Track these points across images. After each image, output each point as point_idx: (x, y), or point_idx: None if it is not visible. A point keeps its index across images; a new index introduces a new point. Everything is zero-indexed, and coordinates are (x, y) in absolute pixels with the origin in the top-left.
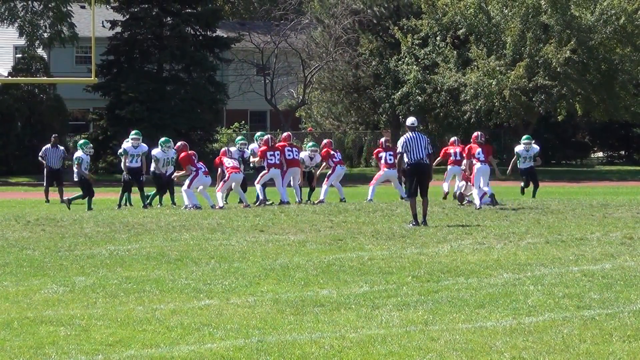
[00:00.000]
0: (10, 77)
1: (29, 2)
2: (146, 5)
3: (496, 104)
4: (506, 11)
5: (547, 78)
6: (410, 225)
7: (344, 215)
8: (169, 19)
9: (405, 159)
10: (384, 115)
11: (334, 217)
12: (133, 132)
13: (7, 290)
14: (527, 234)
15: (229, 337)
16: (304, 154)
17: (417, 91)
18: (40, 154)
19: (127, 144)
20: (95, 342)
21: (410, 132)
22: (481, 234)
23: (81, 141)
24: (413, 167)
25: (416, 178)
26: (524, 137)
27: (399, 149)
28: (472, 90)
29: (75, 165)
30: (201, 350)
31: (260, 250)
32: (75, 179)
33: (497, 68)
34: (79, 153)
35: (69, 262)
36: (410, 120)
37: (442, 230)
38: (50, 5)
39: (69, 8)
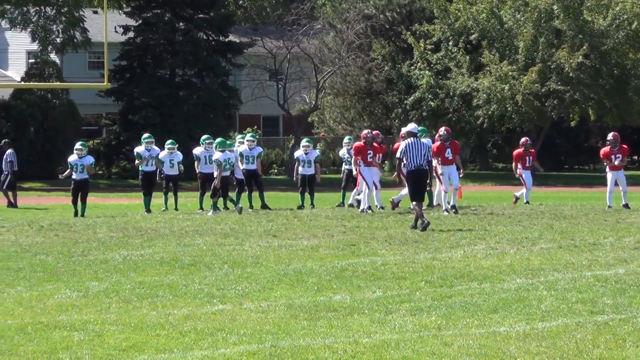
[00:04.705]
0: (23, 83)
1: (42, 7)
2: (159, 11)
3: (509, 109)
4: (518, 16)
5: (559, 83)
6: (424, 223)
7: (357, 221)
8: (181, 24)
9: (405, 162)
10: (396, 121)
11: (347, 222)
12: (146, 134)
13: (21, 295)
14: (540, 239)
15: (242, 342)
16: (342, 152)
17: (429, 96)
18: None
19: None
20: (109, 347)
21: (410, 139)
22: (494, 239)
23: (204, 136)
24: (412, 174)
25: (417, 183)
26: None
27: (399, 155)
28: (484, 95)
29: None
30: (214, 356)
31: (274, 255)
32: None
33: (510, 73)
34: (199, 150)
35: (82, 267)
36: (411, 126)
37: (455, 235)
38: (62, 11)
39: (81, 13)
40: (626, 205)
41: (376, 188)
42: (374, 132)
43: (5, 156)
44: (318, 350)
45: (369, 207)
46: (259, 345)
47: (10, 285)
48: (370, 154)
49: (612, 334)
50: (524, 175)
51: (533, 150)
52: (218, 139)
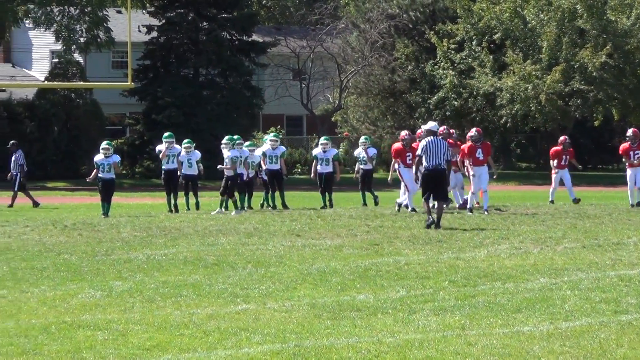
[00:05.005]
0: (47, 82)
1: (66, 7)
2: (182, 10)
3: (532, 108)
4: (542, 16)
5: (583, 83)
6: (429, 220)
7: (381, 220)
8: (204, 23)
9: (424, 163)
10: (420, 120)
11: (371, 221)
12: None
13: (45, 295)
14: (564, 238)
15: (266, 341)
16: (357, 151)
17: (453, 96)
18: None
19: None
20: (133, 346)
21: (430, 137)
22: (518, 239)
23: (224, 140)
24: (430, 172)
25: (433, 183)
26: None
27: (418, 152)
28: (508, 95)
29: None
30: (238, 355)
31: (297, 254)
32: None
33: (533, 72)
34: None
35: (106, 266)
36: (431, 124)
37: (479, 235)
38: (86, 10)
39: (105, 13)
40: (639, 204)
41: None
42: (420, 130)
43: (14, 157)
44: (342, 350)
45: (413, 209)
46: (282, 345)
47: (34, 284)
48: (409, 155)
49: (636, 334)
50: (555, 174)
51: (572, 150)
52: (227, 137)
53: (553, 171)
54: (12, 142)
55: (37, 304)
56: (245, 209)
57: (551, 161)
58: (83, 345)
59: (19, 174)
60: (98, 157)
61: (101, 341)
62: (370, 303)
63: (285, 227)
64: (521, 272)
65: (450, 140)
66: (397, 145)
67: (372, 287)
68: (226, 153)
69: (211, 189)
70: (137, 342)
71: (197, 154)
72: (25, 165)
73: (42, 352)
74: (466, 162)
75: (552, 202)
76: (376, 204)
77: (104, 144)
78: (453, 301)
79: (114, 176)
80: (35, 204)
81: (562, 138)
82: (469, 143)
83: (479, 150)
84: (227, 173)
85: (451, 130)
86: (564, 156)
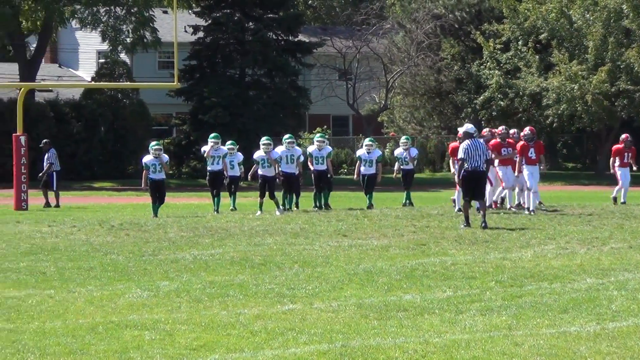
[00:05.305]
0: (93, 82)
1: (112, 7)
2: (228, 11)
3: (578, 108)
4: (588, 16)
5: (629, 82)
6: (462, 226)
7: (427, 220)
8: (251, 24)
9: (465, 165)
10: (466, 120)
11: (417, 221)
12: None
13: (92, 295)
14: (611, 239)
15: (312, 341)
16: (398, 151)
17: (499, 96)
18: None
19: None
20: (180, 346)
21: (468, 140)
22: (564, 239)
23: (264, 140)
24: (470, 174)
25: (472, 184)
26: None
27: (461, 155)
28: (554, 95)
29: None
30: (285, 355)
31: (344, 255)
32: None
33: (579, 73)
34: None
35: (153, 266)
36: (468, 127)
37: (525, 235)
38: (132, 11)
39: (151, 13)
40: None
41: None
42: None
43: (47, 156)
44: (388, 350)
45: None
46: (329, 345)
47: (81, 284)
48: None
49: None
50: (619, 173)
51: (634, 148)
52: (265, 137)
53: (613, 169)
54: (44, 140)
55: (85, 304)
56: (292, 208)
57: (612, 159)
58: (130, 345)
59: (54, 173)
60: (147, 159)
61: (148, 341)
62: (417, 303)
63: (331, 227)
64: (568, 273)
65: (510, 140)
66: (454, 143)
67: (419, 287)
68: (259, 153)
69: (255, 189)
70: (184, 342)
71: (240, 156)
72: (56, 165)
73: (89, 351)
74: (517, 161)
75: (615, 200)
76: (404, 205)
77: (154, 145)
78: (500, 301)
79: (164, 176)
80: (47, 205)
81: (623, 136)
82: (521, 142)
83: (532, 149)
84: (266, 174)
85: (511, 131)
86: (625, 154)
